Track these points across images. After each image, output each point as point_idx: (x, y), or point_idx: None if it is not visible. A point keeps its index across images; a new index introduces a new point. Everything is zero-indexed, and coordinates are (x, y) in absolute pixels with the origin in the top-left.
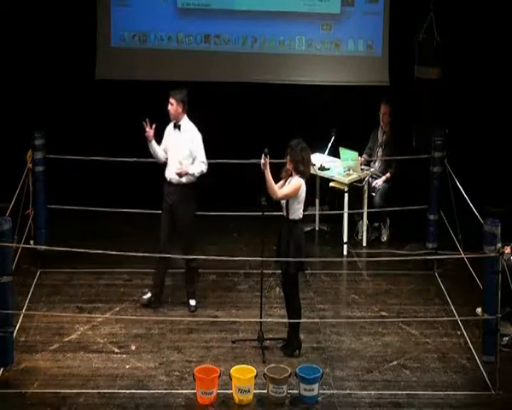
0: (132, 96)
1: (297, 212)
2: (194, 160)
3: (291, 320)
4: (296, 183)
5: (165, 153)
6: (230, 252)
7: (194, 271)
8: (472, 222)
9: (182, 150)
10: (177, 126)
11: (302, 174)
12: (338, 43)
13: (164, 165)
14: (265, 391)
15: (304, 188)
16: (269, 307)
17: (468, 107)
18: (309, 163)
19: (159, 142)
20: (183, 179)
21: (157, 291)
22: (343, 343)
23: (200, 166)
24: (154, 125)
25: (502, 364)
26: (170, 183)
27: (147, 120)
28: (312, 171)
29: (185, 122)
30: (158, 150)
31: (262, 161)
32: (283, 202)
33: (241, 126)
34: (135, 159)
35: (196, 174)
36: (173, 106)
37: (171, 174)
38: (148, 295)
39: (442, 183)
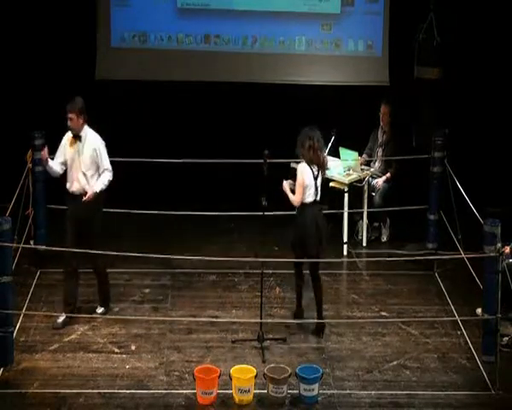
0: (132, 96)
1: (303, 196)
2: (98, 168)
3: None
4: (298, 177)
5: (64, 165)
6: (230, 252)
7: (104, 274)
8: (472, 222)
9: (84, 161)
10: (77, 137)
11: (305, 159)
12: (338, 43)
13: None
14: (265, 391)
15: (307, 174)
16: (269, 307)
17: (468, 107)
18: (310, 149)
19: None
20: (83, 179)
21: (72, 309)
22: (343, 343)
23: (105, 175)
24: (45, 148)
25: (502, 364)
26: (73, 195)
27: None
28: None
29: (85, 132)
30: (54, 166)
31: (284, 185)
32: None
33: (241, 126)
34: (134, 159)
35: (104, 187)
36: (73, 120)
37: (73, 187)
38: (63, 317)
39: (442, 183)
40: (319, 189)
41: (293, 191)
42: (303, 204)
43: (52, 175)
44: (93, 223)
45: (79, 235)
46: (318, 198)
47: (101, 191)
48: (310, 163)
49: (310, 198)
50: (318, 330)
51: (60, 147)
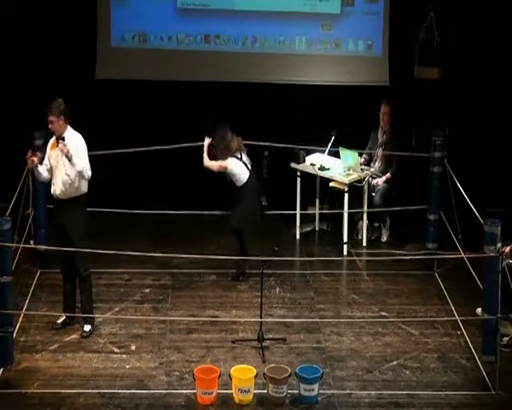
0: (132, 96)
1: (240, 178)
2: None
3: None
4: (225, 164)
5: (49, 171)
6: (230, 252)
7: (88, 280)
8: (472, 222)
9: (67, 162)
10: (60, 139)
11: (230, 156)
12: (338, 44)
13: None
14: (265, 391)
15: (235, 164)
16: (269, 307)
17: (468, 107)
18: (227, 148)
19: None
20: (67, 182)
21: (71, 311)
22: (343, 343)
23: (82, 163)
24: (37, 153)
25: (502, 364)
26: (58, 200)
27: (35, 147)
28: (312, 171)
29: (69, 133)
30: (43, 172)
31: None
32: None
33: (241, 126)
34: (138, 149)
35: (77, 167)
36: (54, 123)
37: (57, 191)
38: (63, 317)
39: (442, 183)
40: (248, 163)
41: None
42: (243, 185)
43: (41, 181)
44: (76, 228)
45: (64, 240)
46: (250, 168)
47: (82, 197)
48: (234, 155)
49: (245, 177)
50: (237, 275)
51: (47, 153)
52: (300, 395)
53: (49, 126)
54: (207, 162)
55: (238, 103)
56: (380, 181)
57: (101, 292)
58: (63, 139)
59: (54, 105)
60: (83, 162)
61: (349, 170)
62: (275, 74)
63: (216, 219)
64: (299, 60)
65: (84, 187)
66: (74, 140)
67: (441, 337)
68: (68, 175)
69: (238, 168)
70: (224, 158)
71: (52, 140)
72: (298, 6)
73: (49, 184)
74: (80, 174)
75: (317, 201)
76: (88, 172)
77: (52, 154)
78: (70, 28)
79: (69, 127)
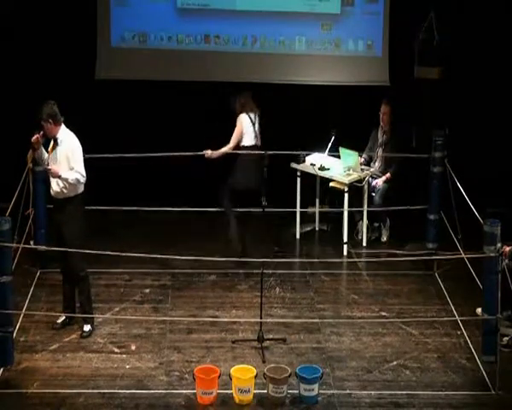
0: (132, 96)
1: (242, 140)
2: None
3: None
4: (238, 125)
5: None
6: (230, 252)
7: (86, 281)
8: (472, 222)
9: (61, 163)
10: (54, 141)
11: (244, 111)
12: (338, 44)
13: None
14: (265, 391)
15: (245, 121)
16: (269, 307)
17: (468, 107)
18: (244, 103)
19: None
20: (61, 183)
21: (70, 311)
22: (343, 343)
23: (75, 174)
24: (41, 133)
25: (502, 364)
26: (55, 200)
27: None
28: (312, 171)
29: (62, 134)
30: (44, 154)
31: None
32: None
33: None
34: (135, 154)
35: (70, 180)
36: (45, 127)
37: (53, 191)
38: (62, 317)
39: (442, 183)
40: (258, 134)
41: None
42: (243, 147)
43: (40, 163)
44: (70, 227)
45: (61, 239)
46: (259, 143)
47: (78, 197)
48: (249, 111)
49: (248, 142)
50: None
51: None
52: (300, 395)
53: (44, 132)
54: (225, 149)
55: None
56: (380, 181)
57: (100, 292)
58: (56, 141)
59: (42, 109)
60: (75, 173)
61: (349, 170)
62: (275, 74)
63: (216, 217)
64: (299, 60)
65: (81, 187)
66: (67, 143)
67: (441, 337)
68: (61, 177)
69: (246, 126)
70: (239, 113)
71: (52, 143)
72: (298, 6)
73: (48, 183)
74: (74, 179)
75: (317, 201)
76: (82, 179)
77: (50, 156)
78: (70, 28)
79: (63, 128)
